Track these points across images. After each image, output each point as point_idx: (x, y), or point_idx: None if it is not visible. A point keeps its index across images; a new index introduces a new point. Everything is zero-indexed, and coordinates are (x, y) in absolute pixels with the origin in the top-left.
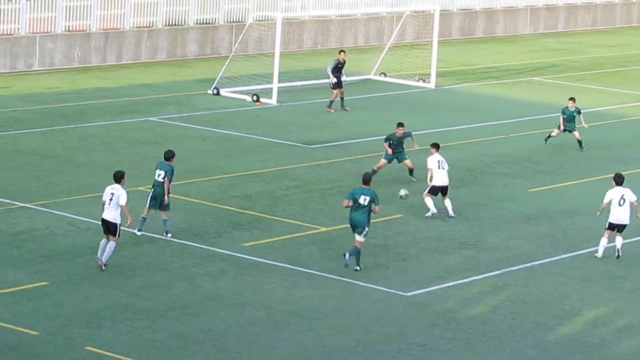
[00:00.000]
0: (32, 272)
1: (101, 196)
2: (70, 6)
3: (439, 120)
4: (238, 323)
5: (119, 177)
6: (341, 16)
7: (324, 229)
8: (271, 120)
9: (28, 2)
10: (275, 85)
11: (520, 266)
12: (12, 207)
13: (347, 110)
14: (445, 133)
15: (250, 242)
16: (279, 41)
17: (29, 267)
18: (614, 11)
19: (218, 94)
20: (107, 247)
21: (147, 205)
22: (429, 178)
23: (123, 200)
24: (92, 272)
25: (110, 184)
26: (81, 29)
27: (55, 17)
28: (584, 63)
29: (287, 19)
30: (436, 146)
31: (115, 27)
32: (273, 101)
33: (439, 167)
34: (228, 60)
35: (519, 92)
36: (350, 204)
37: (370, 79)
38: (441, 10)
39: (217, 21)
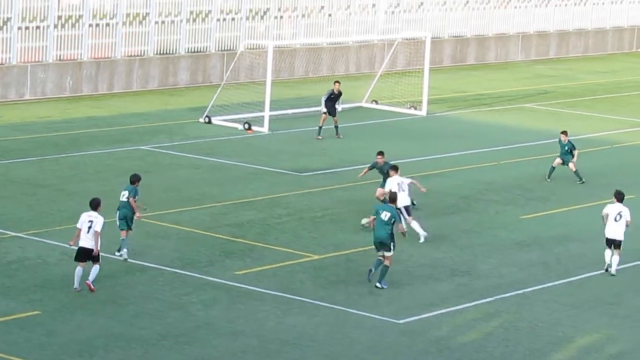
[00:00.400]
0: (25, 301)
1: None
2: (61, 35)
3: (430, 147)
4: (231, 351)
5: (95, 205)
6: (332, 44)
7: (316, 257)
8: (263, 148)
9: (19, 31)
10: (266, 113)
11: (513, 293)
12: (4, 236)
13: (340, 137)
14: (437, 160)
15: (242, 270)
16: (270, 69)
17: (21, 296)
18: (605, 38)
19: (209, 122)
20: (92, 271)
21: (119, 227)
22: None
23: (99, 227)
24: (84, 301)
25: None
26: (72, 58)
27: (46, 46)
28: (576, 89)
29: (279, 46)
30: (395, 168)
31: (106, 56)
32: (265, 129)
33: (399, 190)
34: (219, 89)
35: (511, 118)
36: (373, 220)
37: (361, 107)
38: (432, 38)
39: (208, 49)
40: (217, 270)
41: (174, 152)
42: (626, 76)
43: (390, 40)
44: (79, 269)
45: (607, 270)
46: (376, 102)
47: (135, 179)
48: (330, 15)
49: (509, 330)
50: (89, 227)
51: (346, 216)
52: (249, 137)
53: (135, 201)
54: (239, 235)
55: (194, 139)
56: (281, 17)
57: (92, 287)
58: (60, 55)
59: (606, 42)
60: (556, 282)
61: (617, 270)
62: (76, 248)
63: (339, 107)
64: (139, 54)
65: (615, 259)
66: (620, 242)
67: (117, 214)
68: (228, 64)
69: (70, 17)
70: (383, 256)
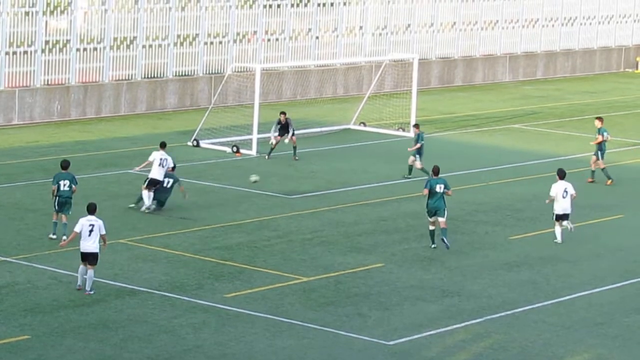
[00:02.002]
0: (14, 325)
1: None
2: (49, 60)
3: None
4: None
5: (93, 209)
6: (320, 66)
7: (305, 279)
8: (251, 171)
9: (7, 56)
10: (255, 136)
11: (503, 314)
12: None
13: (296, 160)
14: (425, 182)
15: (232, 293)
16: (258, 92)
17: (10, 321)
18: (592, 58)
19: (198, 145)
20: (88, 277)
21: (55, 211)
22: None
23: (104, 230)
24: (74, 325)
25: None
26: (60, 82)
27: (34, 71)
28: (564, 110)
29: (266, 69)
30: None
31: (94, 80)
32: (253, 152)
33: None
34: (207, 112)
35: (499, 139)
36: (427, 192)
37: (349, 129)
38: (420, 59)
39: (196, 73)
40: (207, 293)
41: None
42: (614, 96)
43: (377, 62)
44: (82, 268)
45: (557, 239)
46: (364, 124)
47: (66, 165)
48: (317, 37)
49: (499, 351)
50: (90, 231)
51: (335, 238)
52: (238, 160)
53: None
54: (228, 258)
55: (183, 162)
56: (269, 40)
57: (89, 293)
58: (48, 80)
59: (594, 63)
60: (546, 303)
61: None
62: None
63: (287, 138)
64: (127, 78)
65: (566, 222)
66: (569, 214)
67: (56, 200)
68: (216, 87)
69: (57, 41)
70: (435, 222)
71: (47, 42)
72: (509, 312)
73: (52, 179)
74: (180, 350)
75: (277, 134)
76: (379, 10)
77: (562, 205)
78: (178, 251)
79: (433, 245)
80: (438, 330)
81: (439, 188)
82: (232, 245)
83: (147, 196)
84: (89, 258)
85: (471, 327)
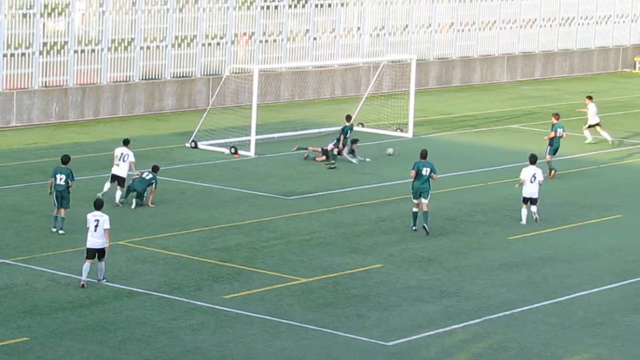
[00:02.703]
0: (13, 327)
1: (82, 250)
2: (47, 62)
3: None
4: None
5: (99, 205)
6: (318, 67)
7: (303, 280)
8: (249, 172)
9: (5, 58)
10: (253, 137)
11: (501, 314)
12: None
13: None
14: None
15: (230, 294)
16: (256, 93)
17: (9, 322)
18: (590, 58)
19: (196, 147)
20: (99, 268)
21: (55, 205)
22: None
23: (107, 225)
24: (73, 327)
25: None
26: (58, 84)
27: (32, 73)
28: (562, 110)
29: (264, 70)
30: None
31: (92, 82)
32: (251, 153)
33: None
34: (205, 113)
35: (497, 140)
36: (414, 174)
37: None
38: (418, 60)
39: (194, 74)
40: (205, 295)
41: (160, 177)
42: (611, 96)
43: (375, 63)
44: (86, 265)
45: (528, 223)
46: (362, 125)
47: (67, 159)
48: (315, 38)
49: (498, 351)
50: (95, 226)
51: (334, 239)
52: (236, 161)
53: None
54: (226, 260)
55: (181, 163)
56: (266, 41)
57: (102, 282)
58: (46, 82)
59: (591, 62)
60: (544, 303)
61: (537, 210)
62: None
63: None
64: (125, 79)
65: (534, 208)
66: (536, 199)
67: (54, 195)
68: (214, 88)
69: (55, 43)
70: (419, 204)
71: (44, 44)
72: (507, 313)
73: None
74: (179, 351)
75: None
76: (376, 11)
77: (529, 189)
78: (176, 252)
79: (414, 227)
80: (437, 331)
81: (425, 171)
82: (230, 246)
83: (107, 186)
84: (97, 253)
85: (470, 327)
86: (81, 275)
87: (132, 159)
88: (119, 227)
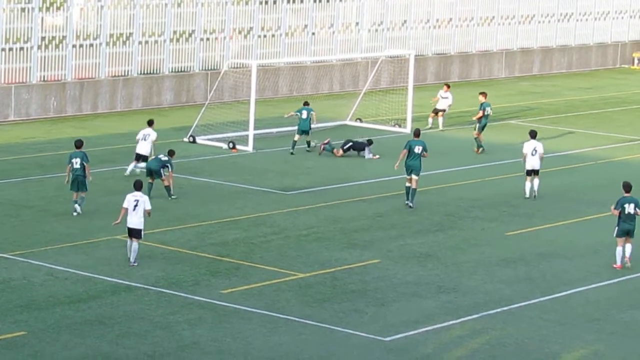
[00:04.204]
0: (10, 322)
1: (80, 245)
2: (45, 56)
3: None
4: None
5: (139, 186)
6: (316, 62)
7: (301, 275)
8: (247, 167)
9: (3, 52)
10: (251, 132)
11: (499, 310)
12: None
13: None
14: (422, 178)
15: (228, 289)
16: (255, 88)
17: (6, 317)
18: (589, 54)
19: (194, 141)
20: (133, 249)
21: (71, 189)
22: None
23: (149, 206)
24: (70, 321)
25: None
26: (56, 78)
27: (30, 67)
28: (560, 106)
29: (262, 65)
30: None
31: (90, 76)
32: (249, 148)
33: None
34: (204, 108)
35: (495, 135)
36: (405, 152)
37: (346, 125)
38: (416, 55)
39: (192, 69)
40: (203, 290)
41: None
42: (610, 92)
43: (374, 58)
44: (129, 242)
45: (530, 197)
46: (360, 120)
47: (80, 144)
48: (313, 34)
49: (496, 347)
50: (135, 206)
51: (331, 234)
52: (234, 156)
53: (88, 165)
54: (224, 254)
55: (179, 158)
56: (264, 36)
57: (133, 264)
58: (44, 76)
59: (590, 59)
60: (542, 299)
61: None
62: (119, 226)
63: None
64: (123, 74)
65: (536, 182)
66: (538, 170)
67: (70, 178)
68: (212, 83)
69: (53, 38)
70: (411, 180)
71: (43, 39)
72: (505, 308)
73: (68, 158)
74: (176, 346)
75: None
76: (375, 7)
77: (530, 162)
78: (174, 247)
79: (407, 202)
80: (434, 326)
81: (417, 149)
82: (228, 241)
83: (131, 166)
84: (134, 233)
85: (467, 323)
86: (128, 257)
87: (153, 138)
88: None
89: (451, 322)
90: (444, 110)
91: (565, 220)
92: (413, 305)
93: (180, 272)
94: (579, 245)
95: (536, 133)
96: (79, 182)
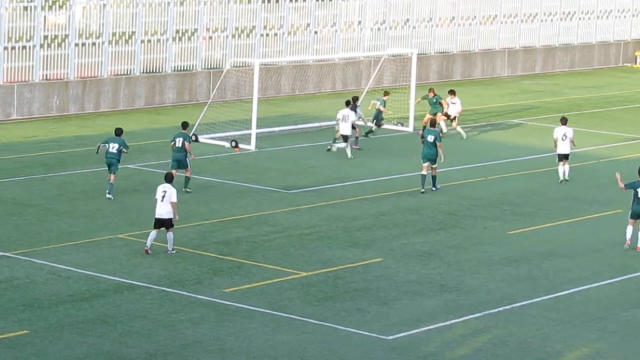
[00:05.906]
0: (13, 320)
1: (82, 244)
2: (47, 55)
3: (417, 163)
4: None
5: (170, 178)
6: (319, 61)
7: (303, 274)
8: (250, 166)
9: (5, 51)
10: (253, 131)
11: (501, 308)
12: None
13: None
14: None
15: (230, 288)
16: (257, 87)
17: (9, 315)
18: (591, 52)
19: (197, 140)
20: (168, 239)
21: (109, 171)
22: None
23: (174, 198)
24: (73, 320)
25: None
26: (59, 77)
27: (32, 66)
28: (562, 105)
29: (265, 64)
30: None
31: (93, 75)
32: (252, 147)
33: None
34: (206, 107)
35: (497, 134)
36: (422, 142)
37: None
38: (418, 54)
39: (194, 68)
40: (206, 288)
41: (161, 171)
42: (612, 91)
43: (376, 57)
44: (153, 233)
45: (563, 181)
46: (363, 119)
47: (119, 132)
48: (316, 32)
49: (498, 345)
50: (163, 197)
51: (334, 233)
52: (236, 155)
53: (126, 151)
54: (226, 253)
55: None
56: (267, 34)
57: (170, 253)
58: (46, 75)
59: (592, 57)
60: (544, 297)
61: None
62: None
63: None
64: (126, 73)
65: (567, 167)
66: (568, 155)
67: (105, 161)
68: (215, 82)
69: (56, 36)
70: (428, 167)
71: (45, 37)
72: (507, 307)
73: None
74: (179, 345)
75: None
76: (377, 5)
77: (561, 147)
78: (177, 246)
79: (422, 190)
80: (437, 325)
81: (430, 138)
82: (230, 240)
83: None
84: (164, 223)
85: (470, 322)
86: (146, 243)
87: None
88: (118, 221)
89: (453, 321)
90: (455, 117)
91: (567, 219)
92: (415, 304)
93: (182, 270)
94: (581, 244)
95: (567, 120)
96: (111, 164)
